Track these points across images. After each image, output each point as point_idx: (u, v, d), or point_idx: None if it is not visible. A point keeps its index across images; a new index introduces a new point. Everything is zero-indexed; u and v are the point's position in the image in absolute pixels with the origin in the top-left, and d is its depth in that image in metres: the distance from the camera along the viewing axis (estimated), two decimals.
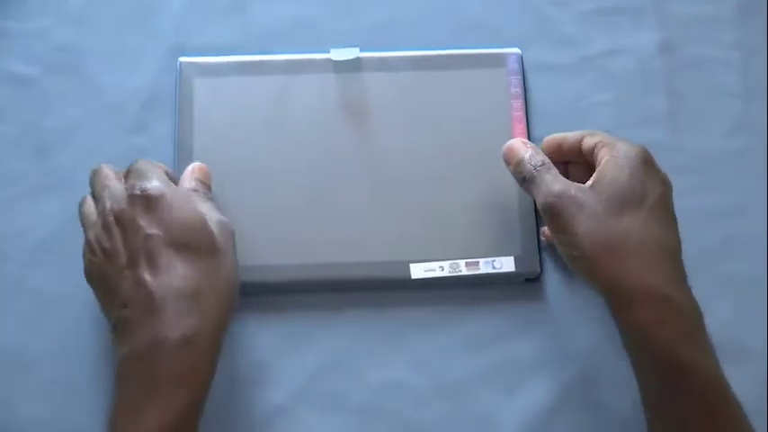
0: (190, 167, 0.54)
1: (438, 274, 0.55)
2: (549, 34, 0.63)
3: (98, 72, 0.61)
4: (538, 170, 0.52)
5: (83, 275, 0.50)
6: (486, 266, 0.56)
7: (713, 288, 0.56)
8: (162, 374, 0.46)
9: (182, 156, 0.57)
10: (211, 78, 0.59)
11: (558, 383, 0.55)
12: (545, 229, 0.56)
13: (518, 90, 0.59)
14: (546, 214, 0.51)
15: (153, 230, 0.48)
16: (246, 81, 0.59)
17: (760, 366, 0.56)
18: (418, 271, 0.55)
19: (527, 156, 0.53)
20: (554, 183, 0.51)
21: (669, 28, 0.63)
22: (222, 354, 0.49)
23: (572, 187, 0.50)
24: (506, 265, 0.56)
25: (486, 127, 0.59)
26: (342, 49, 0.59)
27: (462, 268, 0.56)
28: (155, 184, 0.50)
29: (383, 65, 0.60)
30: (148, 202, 0.49)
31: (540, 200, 0.51)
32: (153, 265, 0.47)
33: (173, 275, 0.47)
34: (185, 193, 0.51)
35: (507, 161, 0.54)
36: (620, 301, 0.48)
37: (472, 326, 0.57)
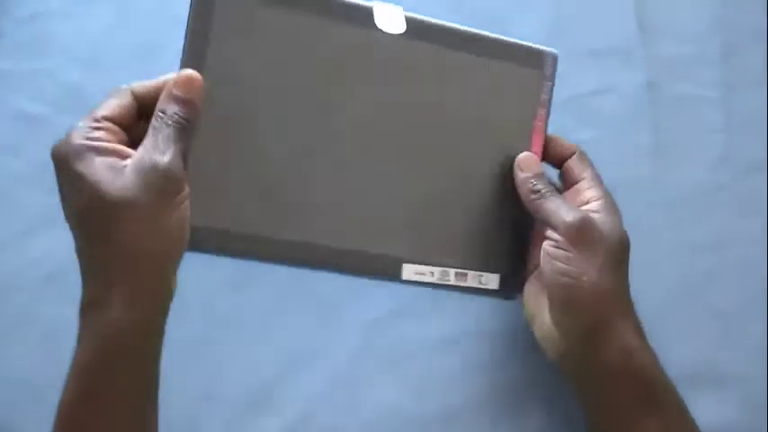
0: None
1: (427, 279, 0.55)
2: None
3: None
4: (553, 189, 0.52)
5: None
6: (472, 280, 0.55)
7: (697, 318, 0.58)
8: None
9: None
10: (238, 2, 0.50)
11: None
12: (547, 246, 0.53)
13: (546, 98, 0.56)
14: (572, 229, 0.50)
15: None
16: (275, 13, 0.51)
17: (741, 392, 0.58)
18: (409, 273, 0.54)
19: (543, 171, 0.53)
20: (572, 206, 0.51)
21: (654, 67, 0.65)
22: None
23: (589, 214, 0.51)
24: (491, 282, 0.55)
25: (506, 131, 0.55)
26: (387, 6, 0.53)
27: (451, 278, 0.55)
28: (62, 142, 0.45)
29: (423, 32, 0.54)
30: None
31: (561, 218, 0.50)
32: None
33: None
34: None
35: (523, 168, 0.54)
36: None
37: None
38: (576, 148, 0.56)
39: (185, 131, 0.46)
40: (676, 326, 0.60)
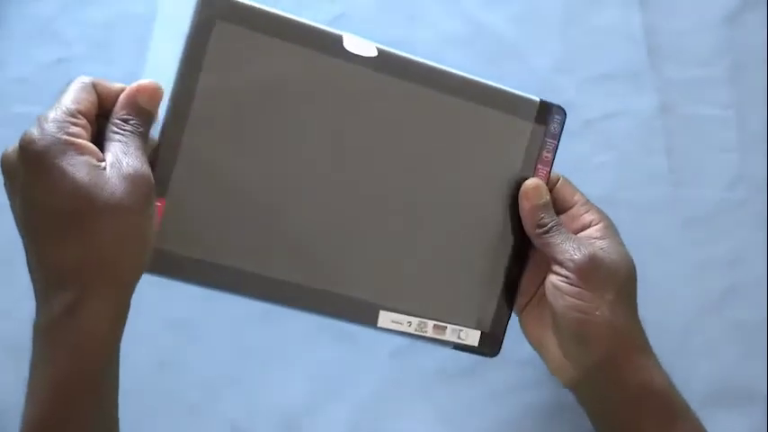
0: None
1: (404, 329, 0.52)
2: (553, 99, 0.66)
3: None
4: (559, 222, 0.51)
5: None
6: (451, 334, 0.53)
7: (718, 334, 0.59)
8: None
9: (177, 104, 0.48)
10: (234, 26, 0.48)
11: None
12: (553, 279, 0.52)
13: (549, 157, 0.53)
14: (583, 267, 0.49)
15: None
16: (271, 43, 0.48)
17: (764, 409, 0.58)
18: (386, 320, 0.52)
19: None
20: (580, 240, 0.51)
21: (666, 90, 0.66)
22: None
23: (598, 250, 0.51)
24: (471, 338, 0.53)
25: (498, 186, 0.53)
26: (358, 38, 0.50)
27: (429, 329, 0.53)
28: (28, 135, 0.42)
29: (401, 69, 0.51)
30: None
31: (570, 255, 0.50)
32: None
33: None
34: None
35: (530, 198, 0.52)
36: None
37: None
38: (560, 176, 0.55)
39: (145, 141, 0.45)
40: (698, 344, 0.60)
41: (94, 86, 0.45)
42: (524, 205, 0.52)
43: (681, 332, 0.61)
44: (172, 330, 0.60)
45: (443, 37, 0.65)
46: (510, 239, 0.53)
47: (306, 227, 0.50)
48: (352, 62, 0.50)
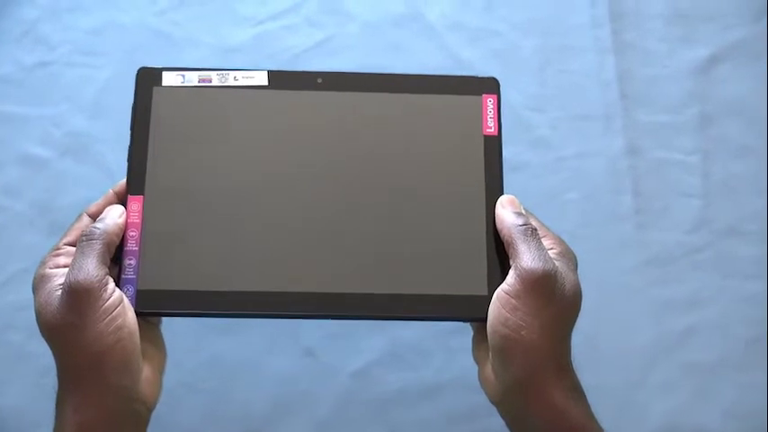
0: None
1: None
2: (527, 136, 0.68)
3: (108, 156, 0.66)
4: (534, 230, 0.50)
5: None
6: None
7: (674, 373, 0.60)
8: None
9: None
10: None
11: None
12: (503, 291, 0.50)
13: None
14: (531, 277, 0.48)
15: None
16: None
17: None
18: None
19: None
20: (544, 255, 0.50)
21: (635, 134, 0.68)
22: None
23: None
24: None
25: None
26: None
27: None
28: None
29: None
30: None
31: (525, 262, 0.48)
32: None
33: None
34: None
35: (506, 206, 0.52)
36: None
37: None
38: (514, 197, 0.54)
39: (99, 242, 0.49)
40: (655, 381, 0.61)
41: (87, 214, 0.52)
42: (499, 211, 0.52)
43: (639, 369, 0.62)
44: None
45: (424, 69, 0.66)
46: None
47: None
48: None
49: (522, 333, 0.47)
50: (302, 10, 0.69)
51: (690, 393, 0.61)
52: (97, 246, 0.48)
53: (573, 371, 0.50)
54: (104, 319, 0.46)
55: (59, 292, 0.47)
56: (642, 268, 0.62)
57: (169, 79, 0.54)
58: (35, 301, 0.48)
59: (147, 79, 0.54)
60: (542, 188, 0.66)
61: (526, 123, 0.68)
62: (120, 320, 0.47)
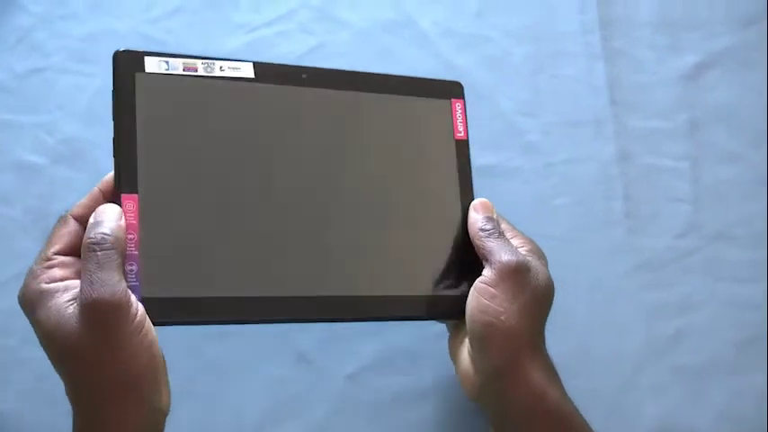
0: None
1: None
2: (517, 141, 0.69)
3: (102, 163, 0.65)
4: (502, 233, 0.53)
5: None
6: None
7: (665, 377, 0.61)
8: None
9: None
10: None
11: None
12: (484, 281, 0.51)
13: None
14: (506, 268, 0.50)
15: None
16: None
17: None
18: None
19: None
20: (516, 250, 0.52)
21: (626, 139, 0.69)
22: None
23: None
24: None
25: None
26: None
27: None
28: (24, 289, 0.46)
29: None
30: None
31: (499, 256, 0.50)
32: None
33: None
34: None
35: (477, 210, 0.54)
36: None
37: None
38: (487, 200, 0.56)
39: (114, 252, 0.45)
40: (646, 384, 0.62)
41: (72, 216, 0.48)
42: (471, 214, 0.54)
43: (630, 372, 0.62)
44: None
45: (415, 74, 0.67)
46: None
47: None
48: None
49: (502, 318, 0.49)
50: (296, 17, 0.70)
51: (681, 396, 0.61)
52: (115, 257, 0.44)
53: (546, 351, 0.51)
54: (137, 335, 0.44)
55: (72, 310, 0.44)
56: (633, 273, 0.63)
57: (152, 65, 0.50)
58: (36, 319, 0.45)
59: (128, 64, 0.49)
60: (533, 193, 0.67)
61: (517, 129, 0.69)
62: (150, 335, 0.45)
